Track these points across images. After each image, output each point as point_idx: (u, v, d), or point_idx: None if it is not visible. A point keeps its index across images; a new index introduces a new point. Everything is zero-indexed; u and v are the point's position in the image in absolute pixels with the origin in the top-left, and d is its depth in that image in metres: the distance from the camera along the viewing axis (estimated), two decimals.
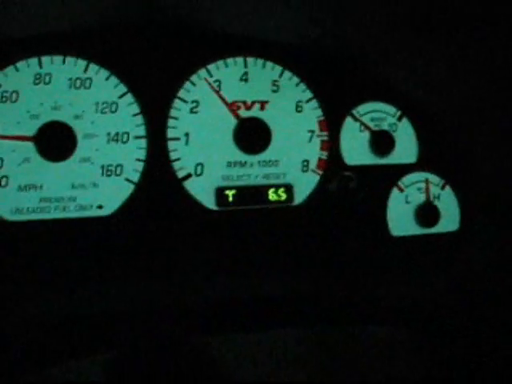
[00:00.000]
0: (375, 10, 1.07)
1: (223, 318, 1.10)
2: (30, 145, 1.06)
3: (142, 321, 1.04)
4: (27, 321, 1.00)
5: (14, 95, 1.07)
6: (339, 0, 1.06)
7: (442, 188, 1.23)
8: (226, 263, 1.11)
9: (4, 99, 1.06)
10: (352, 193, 1.16)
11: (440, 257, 1.21)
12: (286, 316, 1.13)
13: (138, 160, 1.10)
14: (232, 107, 1.14)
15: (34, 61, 1.08)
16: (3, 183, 1.05)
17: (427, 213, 1.21)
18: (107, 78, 1.11)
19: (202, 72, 1.14)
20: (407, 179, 1.21)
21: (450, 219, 1.23)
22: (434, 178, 1.23)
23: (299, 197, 1.16)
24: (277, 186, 1.15)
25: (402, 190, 1.21)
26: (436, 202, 1.22)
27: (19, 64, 1.08)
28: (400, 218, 1.21)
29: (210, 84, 1.14)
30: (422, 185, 1.22)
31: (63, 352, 0.90)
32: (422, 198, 1.22)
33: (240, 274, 1.10)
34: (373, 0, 1.04)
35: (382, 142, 1.19)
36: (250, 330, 1.11)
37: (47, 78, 1.09)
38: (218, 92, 1.14)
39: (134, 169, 1.09)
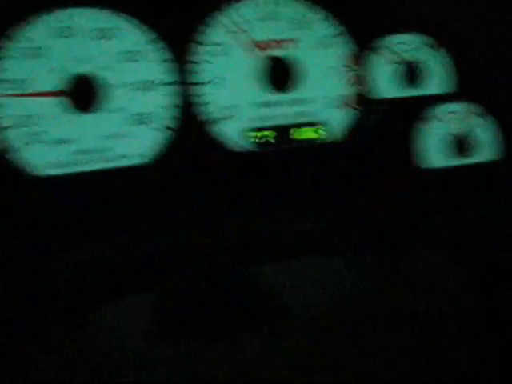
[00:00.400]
0: None
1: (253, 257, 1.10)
2: (60, 99, 1.06)
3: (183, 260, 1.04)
4: (70, 266, 1.01)
5: (41, 50, 1.06)
6: None
7: (481, 117, 1.19)
8: (261, 203, 1.10)
9: (29, 55, 1.06)
10: (386, 126, 1.13)
11: (478, 187, 1.18)
12: (323, 247, 1.11)
13: (169, 106, 1.09)
14: (260, 46, 1.12)
15: (58, 13, 1.07)
16: (37, 139, 1.05)
17: (465, 142, 1.17)
18: (134, 26, 1.10)
19: (229, 11, 1.12)
20: (444, 108, 1.18)
21: (488, 149, 1.20)
22: (472, 107, 1.19)
23: (333, 134, 1.14)
24: (310, 124, 1.13)
25: (440, 120, 1.17)
26: (475, 132, 1.18)
27: (44, 17, 1.07)
28: (438, 149, 1.18)
29: (232, 30, 1.11)
30: (461, 115, 1.18)
31: (111, 294, 0.92)
32: (460, 127, 1.19)
33: (279, 212, 1.10)
34: None
35: (414, 72, 1.16)
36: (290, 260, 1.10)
37: (73, 31, 1.08)
38: (241, 35, 1.11)
39: (164, 116, 1.09)
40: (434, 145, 1.18)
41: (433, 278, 0.97)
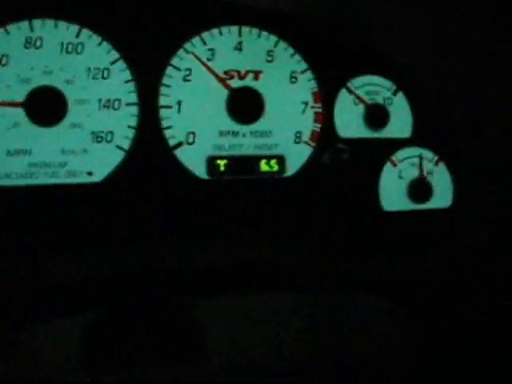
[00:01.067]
0: None
1: (211, 282, 1.09)
2: (19, 110, 1.04)
3: (130, 284, 1.03)
4: (15, 286, 0.99)
5: (5, 59, 1.05)
6: None
7: (436, 164, 1.22)
8: (214, 232, 1.10)
9: None
10: (345, 165, 1.15)
11: (432, 233, 1.21)
12: (274, 283, 1.12)
13: (130, 127, 1.09)
14: (224, 77, 1.13)
15: (24, 24, 1.07)
16: None
17: (420, 188, 1.20)
18: (100, 44, 1.09)
19: (196, 40, 1.13)
20: (401, 154, 1.21)
21: (442, 195, 1.23)
22: (427, 154, 1.22)
23: (291, 168, 1.15)
24: (269, 157, 1.14)
25: (395, 165, 1.20)
26: (429, 178, 1.21)
27: (10, 27, 1.06)
28: (392, 193, 1.20)
29: (198, 58, 1.12)
30: (416, 160, 1.21)
31: (50, 313, 0.90)
32: (415, 173, 1.21)
33: (229, 242, 1.10)
34: None
35: (376, 115, 1.19)
36: (239, 294, 1.10)
37: (38, 42, 1.07)
38: (206, 65, 1.13)
39: (125, 136, 1.08)
40: (389, 188, 1.19)
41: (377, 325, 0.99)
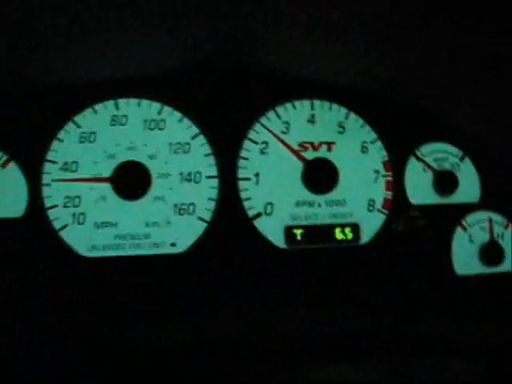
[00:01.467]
0: (439, 54, 1.10)
1: (289, 355, 1.11)
2: (106, 184, 1.10)
3: (213, 357, 1.05)
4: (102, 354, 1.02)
5: (92, 136, 1.12)
6: (401, 44, 1.09)
7: (506, 227, 1.24)
8: (294, 300, 1.12)
9: (83, 139, 1.11)
10: (418, 232, 1.17)
11: (506, 296, 1.21)
12: (350, 351, 1.13)
13: (210, 199, 1.13)
14: (298, 149, 1.17)
15: (111, 103, 1.13)
16: (81, 220, 1.09)
17: (491, 252, 1.21)
18: (180, 120, 1.15)
19: (271, 114, 1.18)
20: (471, 218, 1.22)
21: None
22: (497, 217, 1.24)
23: (366, 236, 1.18)
24: (343, 226, 1.17)
25: (465, 229, 1.22)
26: (500, 241, 1.22)
27: (97, 106, 1.13)
28: (464, 257, 1.21)
29: (272, 133, 1.17)
30: (486, 224, 1.23)
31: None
32: (485, 236, 1.23)
33: (308, 311, 1.11)
34: (436, 45, 1.07)
35: (445, 181, 1.21)
36: (314, 365, 1.11)
37: (123, 120, 1.13)
38: (279, 139, 1.18)
39: (206, 208, 1.12)
40: (461, 252, 1.21)
41: None
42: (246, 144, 1.16)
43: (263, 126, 1.18)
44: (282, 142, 1.17)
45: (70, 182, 1.09)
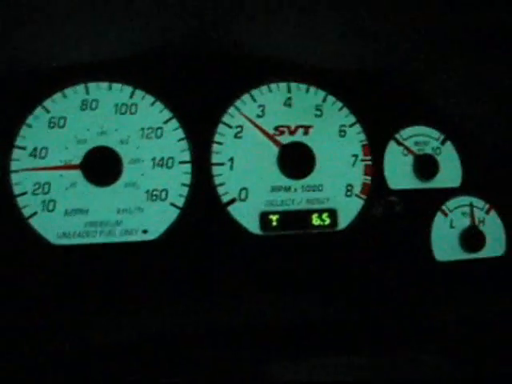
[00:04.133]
0: (422, 35, 1.07)
1: (263, 342, 1.09)
2: (77, 170, 1.07)
3: (186, 345, 1.03)
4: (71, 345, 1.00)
5: (62, 121, 1.09)
6: (381, 25, 1.06)
7: (487, 212, 1.21)
8: (269, 287, 1.10)
9: (52, 125, 1.08)
10: (396, 217, 1.14)
11: (486, 282, 1.19)
12: (327, 341, 1.11)
13: (183, 185, 1.10)
14: (273, 134, 1.14)
15: (81, 87, 1.10)
16: (50, 207, 1.06)
17: (472, 237, 1.19)
18: (152, 104, 1.12)
19: (246, 97, 1.15)
20: (451, 203, 1.20)
21: (495, 244, 1.21)
22: (478, 202, 1.21)
23: (343, 221, 1.15)
24: (320, 211, 1.14)
25: (446, 215, 1.19)
26: (481, 227, 1.20)
27: (67, 90, 1.10)
28: (444, 243, 1.19)
29: (247, 117, 1.14)
30: (467, 209, 1.21)
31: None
32: (466, 222, 1.20)
33: (283, 297, 1.09)
34: (418, 25, 1.04)
35: (426, 166, 1.19)
36: (289, 355, 1.09)
37: (94, 104, 1.10)
38: (254, 123, 1.15)
39: (178, 194, 1.10)
40: (441, 238, 1.19)
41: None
42: (221, 128, 1.13)
43: (238, 109, 1.15)
44: (257, 126, 1.14)
45: (40, 172, 1.06)
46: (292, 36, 1.11)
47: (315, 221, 1.14)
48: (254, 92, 1.16)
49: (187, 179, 1.11)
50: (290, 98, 1.17)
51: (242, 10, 1.04)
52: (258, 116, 1.15)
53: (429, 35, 1.07)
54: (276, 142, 1.14)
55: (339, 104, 1.19)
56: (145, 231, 1.09)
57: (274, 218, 1.13)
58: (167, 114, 1.12)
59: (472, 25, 1.02)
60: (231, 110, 1.14)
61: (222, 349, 1.02)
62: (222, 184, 1.12)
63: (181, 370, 0.90)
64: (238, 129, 1.14)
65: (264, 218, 1.12)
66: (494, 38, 1.03)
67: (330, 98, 1.18)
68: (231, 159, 1.12)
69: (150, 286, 1.07)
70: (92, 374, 0.91)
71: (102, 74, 1.11)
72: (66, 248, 1.06)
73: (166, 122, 1.12)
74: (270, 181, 1.13)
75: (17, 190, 1.06)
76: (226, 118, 1.14)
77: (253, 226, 1.12)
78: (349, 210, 1.16)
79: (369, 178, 1.18)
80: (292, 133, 1.15)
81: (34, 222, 1.06)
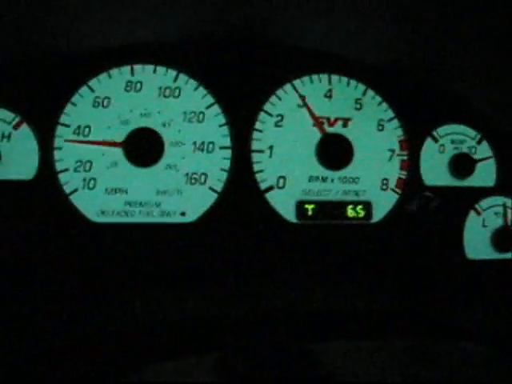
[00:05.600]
0: (459, 34, 1.07)
1: (298, 329, 1.10)
2: (118, 150, 1.09)
3: (219, 328, 1.05)
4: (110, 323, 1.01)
5: (106, 101, 1.10)
6: (423, 22, 1.06)
7: None
8: (302, 275, 1.11)
9: (96, 104, 1.10)
10: (431, 213, 1.15)
11: None
12: (359, 329, 1.12)
13: (223, 170, 1.12)
14: (317, 122, 1.15)
15: (126, 69, 1.12)
16: (91, 185, 1.08)
17: (504, 237, 1.19)
18: (196, 89, 1.13)
19: (288, 87, 1.16)
20: (485, 203, 1.21)
21: None
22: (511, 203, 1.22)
23: (377, 215, 1.17)
24: (356, 203, 1.15)
25: (479, 214, 1.20)
26: None
27: (112, 71, 1.11)
28: (476, 242, 1.20)
29: (299, 96, 1.15)
30: (500, 209, 1.21)
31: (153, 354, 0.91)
32: (499, 222, 1.21)
33: (315, 286, 1.11)
34: (458, 25, 1.05)
35: (461, 164, 1.19)
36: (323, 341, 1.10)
37: (138, 86, 1.12)
38: (306, 106, 1.15)
39: (217, 178, 1.11)
40: (473, 237, 1.19)
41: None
42: (262, 116, 1.15)
43: (279, 98, 1.16)
44: (298, 114, 1.15)
45: (83, 144, 1.07)
46: (335, 28, 1.12)
47: (350, 212, 1.15)
48: (296, 82, 1.17)
49: (227, 164, 1.12)
50: (330, 90, 1.18)
51: (287, 1, 1.05)
52: (299, 106, 1.16)
53: (470, 36, 1.08)
54: (316, 132, 1.15)
55: (378, 98, 1.20)
56: (183, 213, 1.10)
57: (310, 207, 1.14)
58: (210, 99, 1.13)
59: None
60: (273, 98, 1.15)
61: (254, 335, 1.03)
62: (260, 171, 1.13)
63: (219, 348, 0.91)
64: (279, 117, 1.15)
65: (300, 206, 1.14)
66: None
67: (370, 92, 1.19)
68: (271, 147, 1.14)
69: (187, 268, 1.09)
70: (128, 352, 0.93)
71: (147, 57, 1.13)
72: (104, 226, 1.08)
73: (208, 107, 1.13)
74: (308, 170, 1.15)
75: (59, 166, 1.07)
76: (267, 106, 1.15)
77: (289, 214, 1.13)
78: (383, 203, 1.17)
79: (405, 172, 1.19)
80: (331, 124, 1.17)
81: (75, 199, 1.07)
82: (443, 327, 1.07)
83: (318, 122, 1.16)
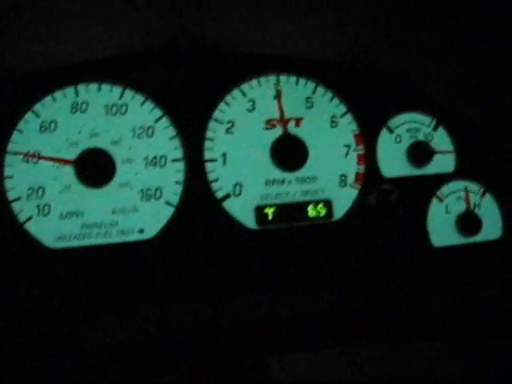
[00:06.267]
0: (409, 24, 1.07)
1: (266, 338, 1.09)
2: (70, 172, 1.07)
3: (184, 343, 1.04)
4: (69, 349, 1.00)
5: (53, 124, 1.09)
6: (370, 15, 1.05)
7: (482, 196, 1.21)
8: (267, 281, 1.10)
9: (43, 129, 1.08)
10: (392, 206, 1.15)
11: (483, 266, 1.19)
12: (328, 333, 1.11)
13: (177, 183, 1.10)
14: (269, 124, 1.14)
15: (70, 90, 1.10)
16: (45, 211, 1.06)
17: (468, 222, 1.19)
18: (142, 103, 1.12)
19: (236, 92, 1.14)
20: (446, 188, 1.20)
21: (491, 227, 1.21)
22: (473, 186, 1.21)
23: (338, 212, 1.16)
24: (316, 202, 1.14)
25: (441, 200, 1.19)
26: (477, 211, 1.20)
27: (56, 94, 1.09)
28: (441, 228, 1.19)
29: (246, 104, 1.14)
30: (462, 193, 1.21)
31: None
32: (462, 206, 1.20)
33: (282, 291, 1.10)
34: (406, 14, 1.04)
35: (419, 152, 1.18)
36: (291, 349, 1.09)
37: (84, 106, 1.10)
38: (256, 109, 1.15)
39: (173, 192, 1.10)
40: (437, 224, 1.19)
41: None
42: (212, 124, 1.13)
43: (228, 104, 1.14)
44: (249, 119, 1.14)
45: (34, 167, 1.05)
46: (279, 28, 1.11)
47: (311, 212, 1.14)
48: (244, 86, 1.15)
49: (181, 177, 1.11)
50: (279, 91, 1.16)
51: (228, 5, 1.04)
52: (249, 110, 1.15)
53: (419, 23, 1.07)
54: (268, 134, 1.14)
55: (329, 94, 1.19)
56: (141, 231, 1.09)
57: (270, 211, 1.13)
58: (158, 112, 1.12)
59: (458, 8, 1.01)
60: (221, 105, 1.14)
61: (220, 346, 1.02)
62: (215, 180, 1.12)
63: (180, 368, 0.90)
64: (229, 124, 1.14)
65: (259, 211, 1.12)
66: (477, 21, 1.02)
67: (320, 89, 1.18)
68: (224, 155, 1.12)
69: (149, 285, 1.08)
70: (90, 375, 0.92)
71: (90, 76, 1.11)
72: (62, 251, 1.06)
73: (156, 120, 1.12)
74: (264, 174, 1.13)
75: (11, 195, 1.06)
76: (216, 114, 1.13)
77: (249, 220, 1.12)
78: (344, 200, 1.16)
79: (362, 167, 1.18)
80: (284, 125, 1.15)
81: (30, 227, 1.06)
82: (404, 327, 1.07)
83: (269, 124, 1.15)
